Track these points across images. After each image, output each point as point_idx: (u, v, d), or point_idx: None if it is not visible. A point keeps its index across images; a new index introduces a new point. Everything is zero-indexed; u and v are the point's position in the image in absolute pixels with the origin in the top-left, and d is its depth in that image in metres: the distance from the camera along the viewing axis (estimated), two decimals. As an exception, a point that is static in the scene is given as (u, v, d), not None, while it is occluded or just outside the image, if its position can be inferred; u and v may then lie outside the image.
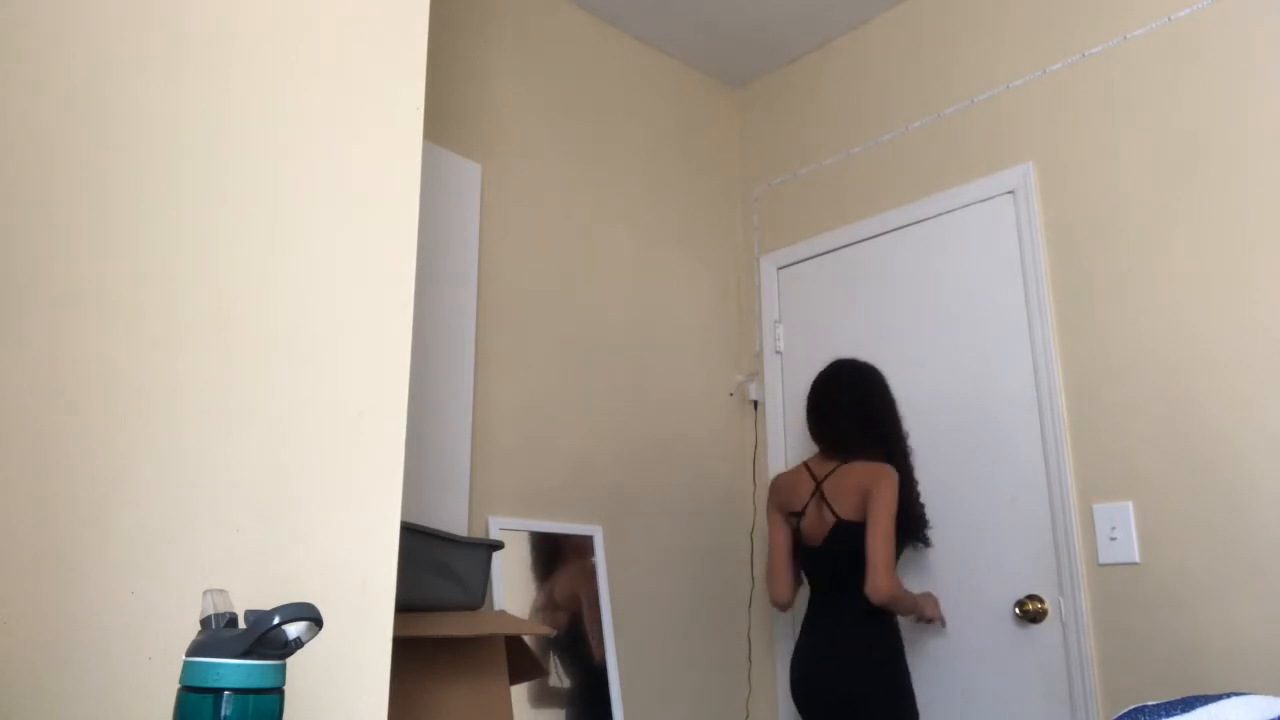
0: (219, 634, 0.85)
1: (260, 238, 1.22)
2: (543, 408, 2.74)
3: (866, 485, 2.40)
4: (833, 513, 2.44)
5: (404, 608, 1.28)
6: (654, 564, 2.91)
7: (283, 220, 1.25)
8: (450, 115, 2.68)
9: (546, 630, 2.11)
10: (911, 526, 2.54)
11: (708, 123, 3.54)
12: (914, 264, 2.95)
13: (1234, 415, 2.22)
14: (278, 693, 0.85)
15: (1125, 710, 1.28)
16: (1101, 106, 2.58)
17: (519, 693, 2.32)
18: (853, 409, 2.56)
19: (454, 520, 2.39)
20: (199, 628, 0.87)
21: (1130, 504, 2.36)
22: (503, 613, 2.29)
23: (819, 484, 2.50)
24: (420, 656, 1.76)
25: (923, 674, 2.63)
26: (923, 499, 2.65)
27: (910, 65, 3.08)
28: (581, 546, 2.61)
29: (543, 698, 2.40)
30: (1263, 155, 2.27)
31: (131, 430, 1.07)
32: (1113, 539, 2.37)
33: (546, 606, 2.48)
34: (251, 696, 0.82)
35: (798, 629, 2.59)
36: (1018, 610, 2.52)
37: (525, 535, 2.58)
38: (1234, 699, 1.21)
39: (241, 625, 0.86)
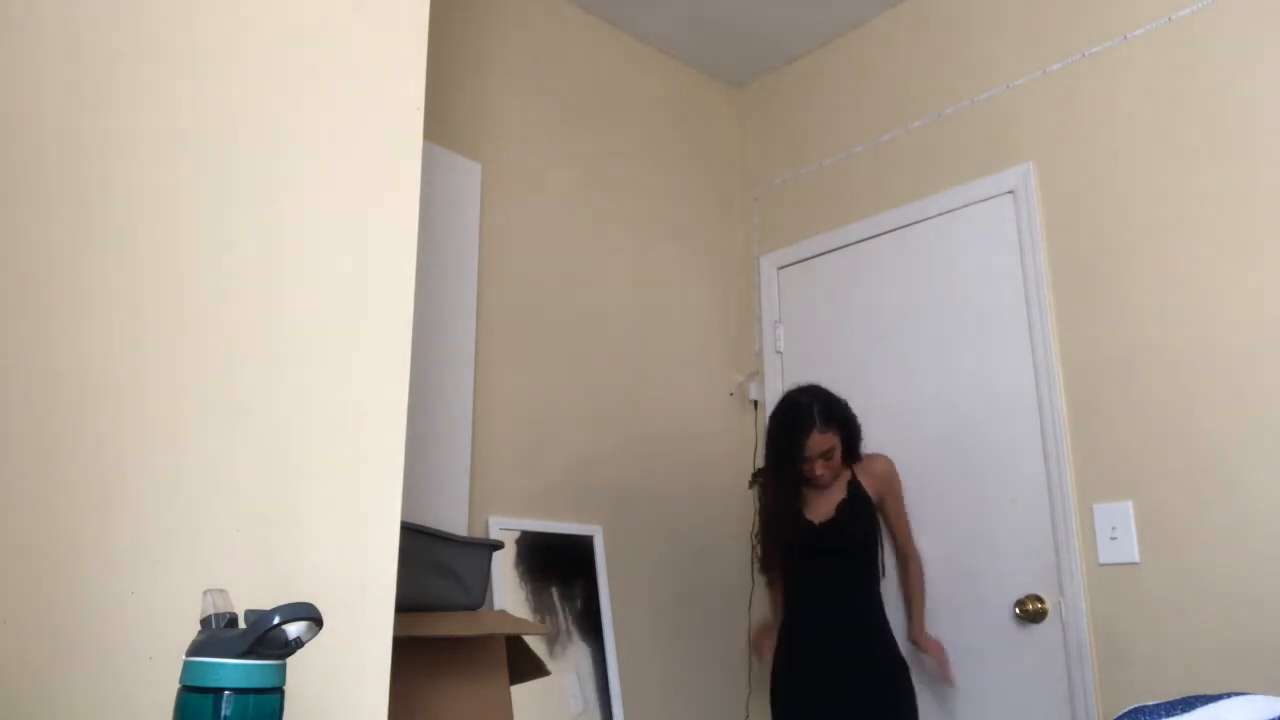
0: (219, 634, 0.85)
1: (260, 238, 1.22)
2: (543, 407, 2.74)
3: None
4: None
5: (404, 608, 1.28)
6: (654, 564, 2.91)
7: (283, 220, 1.25)
8: (450, 115, 2.68)
9: (546, 630, 2.11)
10: None
11: (708, 123, 3.53)
12: (914, 264, 2.95)
13: (1234, 415, 2.22)
14: (278, 693, 0.85)
15: (1125, 710, 1.27)
16: (1101, 106, 2.57)
17: (518, 692, 2.32)
18: None
19: (454, 520, 2.39)
20: (199, 628, 0.87)
21: (1130, 504, 2.36)
22: (503, 613, 2.29)
23: None
24: (420, 656, 1.76)
25: (923, 674, 2.62)
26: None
27: (910, 65, 3.08)
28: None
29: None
30: (1263, 155, 2.26)
31: (132, 430, 1.07)
32: (1113, 539, 2.37)
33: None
34: (251, 696, 0.82)
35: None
36: (1018, 610, 2.52)
37: (525, 535, 2.58)
38: (1234, 699, 1.21)
39: (241, 625, 0.86)
